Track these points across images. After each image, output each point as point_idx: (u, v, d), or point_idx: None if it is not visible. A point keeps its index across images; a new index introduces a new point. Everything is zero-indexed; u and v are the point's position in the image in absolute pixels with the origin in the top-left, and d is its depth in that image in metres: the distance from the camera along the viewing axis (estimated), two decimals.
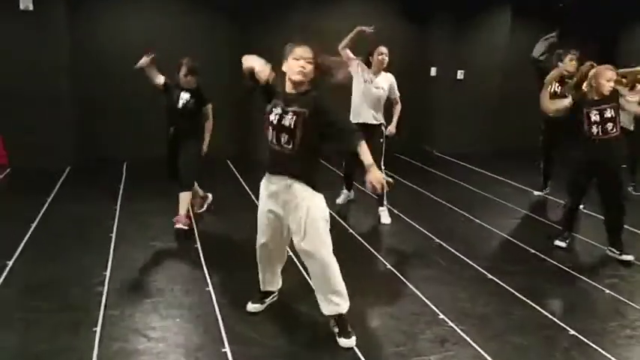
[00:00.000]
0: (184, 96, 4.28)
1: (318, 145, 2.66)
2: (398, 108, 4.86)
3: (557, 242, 4.27)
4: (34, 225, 4.32)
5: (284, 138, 2.58)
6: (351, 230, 4.50)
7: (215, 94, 7.12)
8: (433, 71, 8.29)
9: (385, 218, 4.85)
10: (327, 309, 2.75)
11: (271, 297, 3.09)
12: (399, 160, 7.72)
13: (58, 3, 6.09)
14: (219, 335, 2.77)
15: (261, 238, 2.85)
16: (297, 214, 2.62)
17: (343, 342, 2.69)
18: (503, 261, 4.03)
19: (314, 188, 2.65)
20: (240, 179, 6.09)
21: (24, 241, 3.97)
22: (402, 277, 3.59)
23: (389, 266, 3.79)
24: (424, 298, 3.28)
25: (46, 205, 4.88)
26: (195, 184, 4.63)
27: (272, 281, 3.05)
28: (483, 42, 8.25)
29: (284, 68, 2.60)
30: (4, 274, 3.41)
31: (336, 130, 2.60)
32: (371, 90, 4.64)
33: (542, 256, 4.07)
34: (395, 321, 3.01)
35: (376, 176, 2.46)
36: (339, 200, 5.26)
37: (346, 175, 5.24)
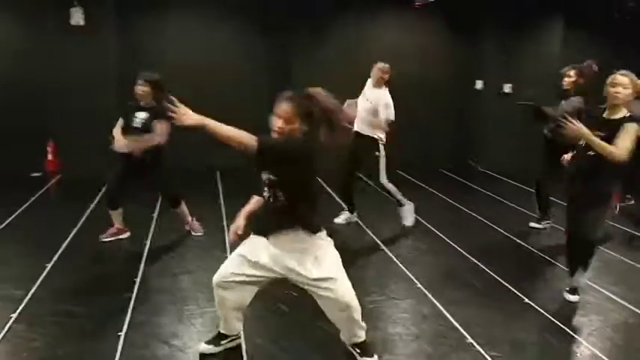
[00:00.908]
0: (140, 115, 4.04)
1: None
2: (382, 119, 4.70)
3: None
4: (74, 230, 4.50)
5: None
6: (382, 246, 4.38)
7: (256, 109, 7.30)
8: (479, 84, 8.06)
9: (405, 220, 4.83)
10: (350, 340, 2.66)
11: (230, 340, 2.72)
12: (440, 175, 7.52)
13: (108, 18, 6.40)
14: (239, 346, 2.75)
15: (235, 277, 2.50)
16: (304, 259, 2.37)
17: None
18: (543, 285, 3.79)
19: (316, 230, 2.40)
20: None
21: (64, 246, 4.13)
22: (431, 298, 3.45)
23: (419, 285, 3.66)
24: (453, 321, 3.13)
25: (89, 211, 5.07)
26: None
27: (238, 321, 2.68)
28: (533, 54, 7.95)
29: None
30: (42, 276, 3.55)
31: None
32: (361, 103, 4.70)
33: (590, 283, 3.73)
34: (419, 343, 2.89)
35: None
36: (339, 220, 4.94)
37: (340, 192, 5.11)
